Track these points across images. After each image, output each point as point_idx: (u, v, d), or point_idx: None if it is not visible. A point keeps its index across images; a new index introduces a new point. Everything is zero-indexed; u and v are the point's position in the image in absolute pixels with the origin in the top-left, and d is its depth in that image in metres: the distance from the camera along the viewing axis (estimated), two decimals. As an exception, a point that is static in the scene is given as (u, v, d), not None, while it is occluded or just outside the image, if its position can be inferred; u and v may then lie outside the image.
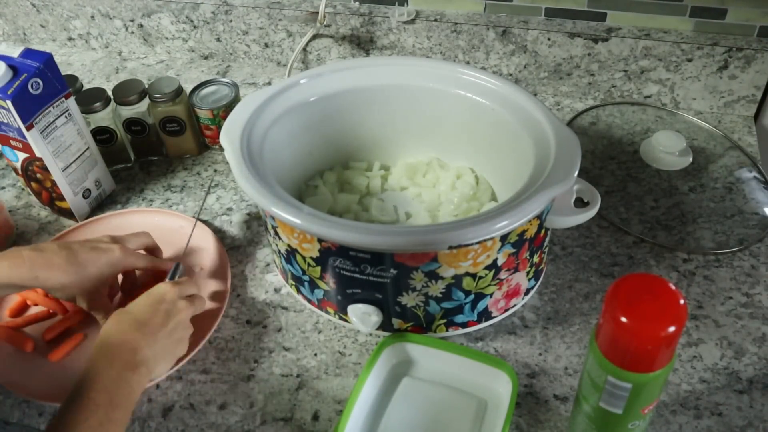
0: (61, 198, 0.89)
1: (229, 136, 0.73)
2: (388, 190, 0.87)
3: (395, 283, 0.67)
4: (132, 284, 0.80)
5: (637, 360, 0.50)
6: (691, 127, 0.98)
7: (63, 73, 0.84)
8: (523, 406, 0.68)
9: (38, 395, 0.70)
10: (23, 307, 0.80)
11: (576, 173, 0.67)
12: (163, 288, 0.68)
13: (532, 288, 0.76)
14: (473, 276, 0.67)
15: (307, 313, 0.78)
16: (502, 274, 0.69)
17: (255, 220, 0.88)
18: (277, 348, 0.75)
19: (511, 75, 1.05)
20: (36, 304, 0.80)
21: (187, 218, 0.88)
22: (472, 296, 0.69)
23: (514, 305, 0.75)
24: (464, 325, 0.73)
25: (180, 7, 1.13)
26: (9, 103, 0.78)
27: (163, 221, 0.88)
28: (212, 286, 0.80)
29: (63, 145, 0.86)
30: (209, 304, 0.77)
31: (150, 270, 0.79)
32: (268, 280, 0.82)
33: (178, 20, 1.15)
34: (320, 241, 0.66)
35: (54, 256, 0.70)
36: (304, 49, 1.12)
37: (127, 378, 0.60)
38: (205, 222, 0.89)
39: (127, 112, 0.95)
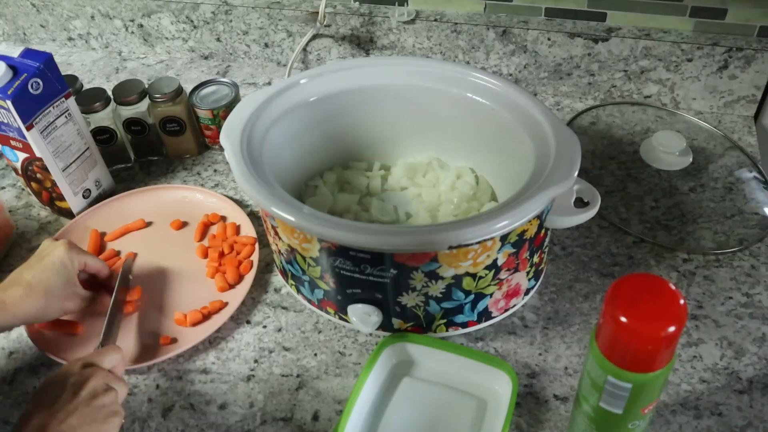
0: (61, 198, 0.89)
1: (229, 136, 0.73)
2: (388, 190, 0.87)
3: (395, 283, 0.67)
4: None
5: (637, 360, 0.50)
6: (691, 127, 0.98)
7: (63, 73, 0.84)
8: (523, 406, 0.68)
9: None
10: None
11: (576, 173, 0.67)
12: (66, 366, 0.64)
13: (532, 288, 0.76)
14: (473, 276, 0.67)
15: (307, 313, 0.78)
16: (502, 274, 0.69)
17: (255, 220, 0.88)
18: (277, 348, 0.75)
19: (511, 75, 1.05)
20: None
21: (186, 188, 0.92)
22: (472, 296, 0.69)
23: (514, 305, 0.75)
24: (464, 325, 0.73)
25: (180, 7, 1.13)
26: (9, 103, 0.78)
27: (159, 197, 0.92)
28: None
29: (63, 145, 0.86)
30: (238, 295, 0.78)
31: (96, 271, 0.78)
32: (268, 280, 0.82)
33: (178, 20, 1.15)
34: (320, 241, 0.66)
35: (14, 289, 0.69)
36: (304, 49, 1.12)
37: None
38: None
39: (127, 112, 0.95)
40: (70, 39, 1.24)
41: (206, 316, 0.77)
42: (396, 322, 0.72)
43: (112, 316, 0.75)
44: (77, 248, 0.75)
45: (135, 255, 0.86)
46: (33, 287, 0.70)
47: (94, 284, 0.78)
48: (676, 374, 0.70)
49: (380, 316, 0.71)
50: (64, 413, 0.58)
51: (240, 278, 0.81)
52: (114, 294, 0.76)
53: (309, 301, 0.77)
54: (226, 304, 0.78)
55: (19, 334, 0.78)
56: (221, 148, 0.97)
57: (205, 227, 0.88)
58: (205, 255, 0.84)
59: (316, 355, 0.74)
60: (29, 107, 0.80)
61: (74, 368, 0.63)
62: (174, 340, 0.75)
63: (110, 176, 0.95)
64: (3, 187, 0.98)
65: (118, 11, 1.17)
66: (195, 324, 0.76)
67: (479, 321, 0.73)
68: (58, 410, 0.58)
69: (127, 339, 0.76)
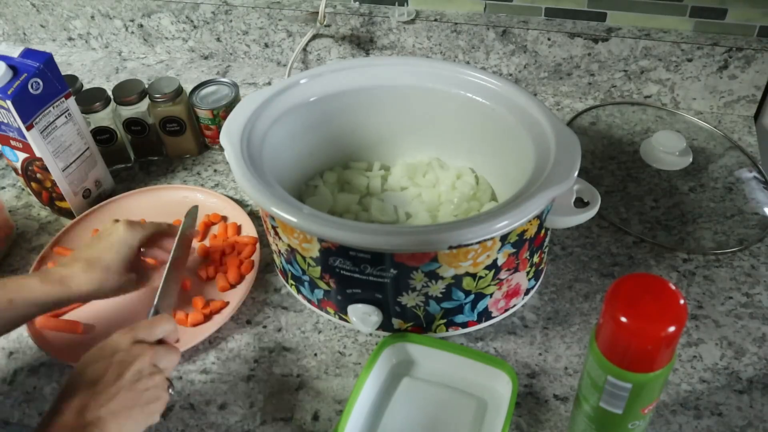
0: (61, 198, 0.89)
1: (229, 136, 0.73)
2: (388, 190, 0.87)
3: (395, 283, 0.67)
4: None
5: (637, 360, 0.50)
6: (691, 127, 0.98)
7: (63, 73, 0.84)
8: (523, 406, 0.68)
9: None
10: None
11: (576, 173, 0.67)
12: (115, 338, 0.61)
13: (532, 288, 0.76)
14: (473, 276, 0.67)
15: (307, 313, 0.78)
16: (502, 274, 0.69)
17: (256, 220, 0.88)
18: (277, 348, 0.75)
19: (511, 75, 1.05)
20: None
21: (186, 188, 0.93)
22: (472, 296, 0.69)
23: (514, 305, 0.75)
24: (464, 325, 0.73)
25: (180, 7, 1.13)
26: (9, 103, 0.78)
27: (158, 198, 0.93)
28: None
29: (63, 145, 0.86)
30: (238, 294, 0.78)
31: (159, 239, 0.77)
32: (268, 280, 0.82)
33: (178, 20, 1.15)
34: (320, 241, 0.66)
35: (76, 264, 0.70)
36: (304, 49, 1.12)
37: None
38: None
39: (127, 112, 0.95)
40: (70, 39, 1.24)
41: (207, 316, 0.77)
42: (396, 322, 0.72)
43: (169, 276, 0.71)
44: (138, 225, 0.74)
45: (197, 207, 0.81)
46: (92, 264, 0.70)
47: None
48: (676, 374, 0.70)
49: (380, 316, 0.71)
50: (105, 396, 0.57)
51: (241, 278, 0.81)
52: (171, 253, 0.73)
53: (309, 301, 0.77)
54: (227, 303, 0.78)
55: (19, 334, 0.78)
56: (221, 148, 0.97)
57: (206, 227, 0.88)
58: (206, 255, 0.84)
59: (316, 355, 0.74)
60: (29, 107, 0.80)
61: (123, 343, 0.60)
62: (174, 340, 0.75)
63: (110, 176, 0.95)
64: (3, 187, 0.98)
65: (118, 11, 1.17)
66: (196, 324, 0.76)
67: (479, 321, 0.73)
68: (100, 392, 0.57)
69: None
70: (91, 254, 0.71)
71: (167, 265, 0.72)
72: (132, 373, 0.58)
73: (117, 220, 0.75)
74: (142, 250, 0.75)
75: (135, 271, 0.74)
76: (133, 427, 0.58)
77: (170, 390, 0.62)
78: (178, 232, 0.76)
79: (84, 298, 0.71)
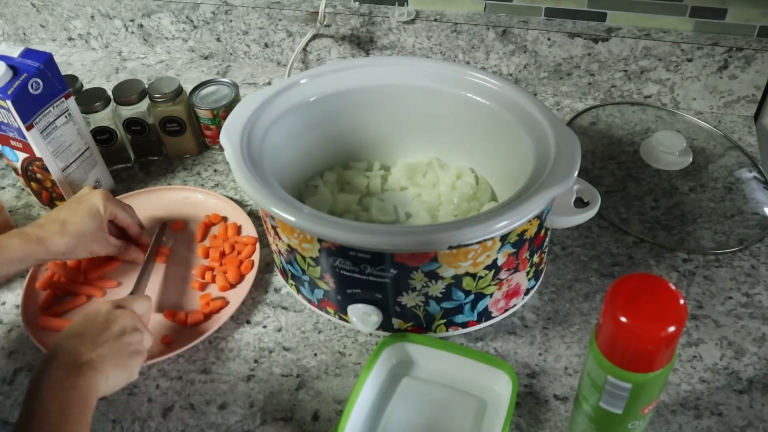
0: (61, 198, 0.89)
1: (229, 136, 0.73)
2: (388, 190, 0.87)
3: (395, 283, 0.67)
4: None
5: (637, 360, 0.50)
6: (691, 127, 0.98)
7: (63, 73, 0.84)
8: (523, 406, 0.68)
9: None
10: (53, 297, 0.82)
11: (576, 173, 0.67)
12: (96, 305, 0.68)
13: (532, 288, 0.76)
14: (473, 276, 0.67)
15: (307, 313, 0.78)
16: (502, 274, 0.69)
17: (255, 220, 0.88)
18: (277, 348, 0.75)
19: (511, 75, 1.05)
20: (60, 278, 0.83)
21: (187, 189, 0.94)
22: (472, 296, 0.69)
23: (514, 305, 0.75)
24: (464, 325, 0.73)
25: (180, 7, 1.13)
26: (9, 103, 0.78)
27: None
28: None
29: (63, 145, 0.86)
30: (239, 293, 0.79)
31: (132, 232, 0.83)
32: (268, 280, 0.82)
33: (178, 20, 1.15)
34: (320, 241, 0.66)
35: (51, 225, 0.75)
36: (304, 49, 1.12)
37: (72, 383, 0.58)
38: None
39: (127, 112, 0.95)
40: (70, 39, 1.24)
41: (207, 316, 0.77)
42: (396, 322, 0.72)
43: (146, 267, 0.80)
44: (113, 199, 0.80)
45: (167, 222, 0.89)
46: (67, 227, 0.75)
47: (125, 237, 0.83)
48: (676, 374, 0.70)
49: (380, 316, 0.71)
50: (94, 343, 0.62)
51: (241, 278, 0.81)
52: (150, 247, 0.82)
53: (309, 301, 0.77)
54: (228, 303, 0.78)
55: (19, 334, 0.78)
56: (221, 148, 0.97)
57: (206, 227, 0.88)
58: (207, 255, 0.84)
59: (316, 355, 0.74)
60: (29, 107, 0.80)
61: (105, 307, 0.67)
62: (174, 340, 0.75)
63: (110, 176, 0.95)
64: (3, 187, 0.98)
65: (118, 11, 1.17)
66: (196, 323, 0.76)
67: (479, 321, 0.73)
68: (90, 340, 0.62)
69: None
70: (68, 218, 0.76)
71: (146, 256, 0.81)
72: (117, 327, 0.65)
73: (95, 187, 0.80)
74: (109, 222, 0.80)
75: (104, 238, 0.78)
76: (118, 375, 0.63)
77: (144, 360, 0.67)
78: (156, 231, 0.83)
79: (61, 258, 0.77)
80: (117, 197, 0.92)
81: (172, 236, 0.88)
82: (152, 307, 0.72)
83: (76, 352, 0.61)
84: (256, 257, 0.82)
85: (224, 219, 0.89)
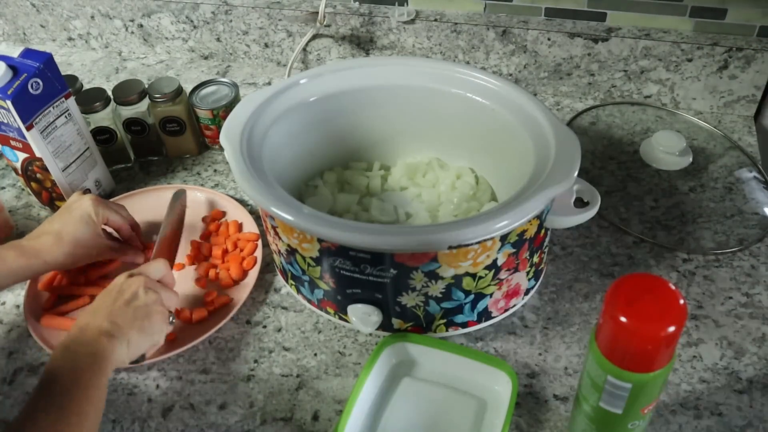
0: (61, 198, 0.89)
1: (229, 136, 0.73)
2: (388, 190, 0.87)
3: (395, 283, 0.67)
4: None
5: (637, 360, 0.50)
6: (691, 127, 0.98)
7: (63, 73, 0.84)
8: (523, 406, 0.68)
9: None
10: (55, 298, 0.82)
11: (576, 173, 0.67)
12: (115, 279, 0.69)
13: (532, 288, 0.76)
14: (473, 276, 0.67)
15: (307, 313, 0.78)
16: (502, 274, 0.69)
17: (257, 219, 0.88)
18: (277, 348, 0.75)
19: (511, 75, 1.05)
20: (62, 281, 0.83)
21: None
22: (472, 296, 0.69)
23: (514, 305, 0.75)
24: (464, 325, 0.73)
25: (180, 7, 1.13)
26: (9, 103, 0.78)
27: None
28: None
29: (63, 145, 0.86)
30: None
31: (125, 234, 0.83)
32: (268, 280, 0.82)
33: (178, 20, 1.15)
34: (320, 241, 0.66)
35: (47, 238, 0.75)
36: (304, 49, 1.12)
37: (86, 350, 0.60)
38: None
39: (127, 112, 0.95)
40: (70, 39, 1.24)
41: (211, 313, 0.77)
42: (396, 322, 0.72)
43: (165, 234, 0.80)
44: (103, 203, 0.79)
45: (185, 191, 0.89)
46: (62, 236, 0.75)
47: (119, 239, 0.83)
48: (676, 374, 0.70)
49: (380, 316, 0.71)
50: (107, 313, 0.63)
51: (244, 274, 0.81)
52: (166, 215, 0.82)
53: (309, 301, 0.77)
54: (231, 300, 0.78)
55: (19, 334, 0.78)
56: (221, 148, 0.97)
57: (208, 226, 0.88)
58: (209, 253, 0.84)
59: (316, 355, 0.74)
60: (29, 107, 0.80)
61: (119, 279, 0.68)
62: (178, 338, 0.75)
63: (110, 176, 0.95)
64: (3, 187, 0.98)
65: (118, 11, 1.17)
66: (200, 320, 0.76)
67: (479, 321, 0.73)
68: (103, 312, 0.64)
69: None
70: (61, 227, 0.75)
71: (160, 231, 0.80)
72: (129, 293, 0.66)
73: (84, 193, 0.80)
74: (104, 226, 0.80)
75: (100, 242, 0.78)
76: (140, 338, 0.64)
77: (171, 319, 0.68)
78: (171, 199, 0.85)
79: (61, 268, 0.77)
80: (117, 197, 0.92)
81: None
82: (171, 273, 0.73)
83: (92, 324, 0.62)
84: (258, 254, 0.82)
85: (225, 217, 0.89)
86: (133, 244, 0.83)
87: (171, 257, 0.80)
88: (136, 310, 0.65)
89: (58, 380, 0.57)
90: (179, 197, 0.87)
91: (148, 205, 0.91)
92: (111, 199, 0.92)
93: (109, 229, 0.82)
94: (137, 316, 0.65)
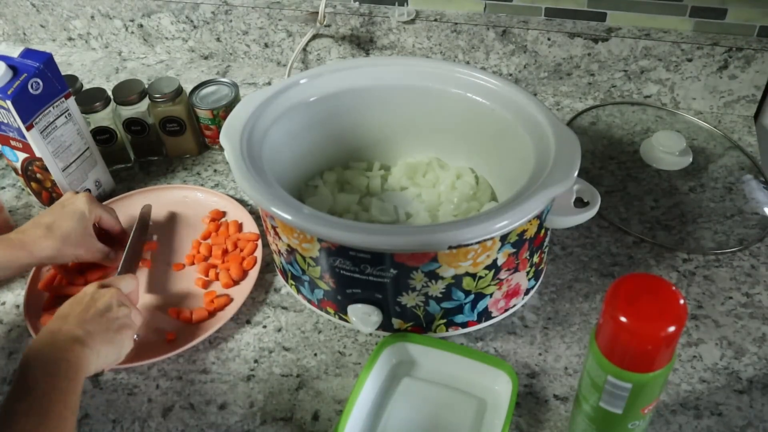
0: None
1: (229, 136, 0.73)
2: (388, 190, 0.87)
3: (395, 283, 0.67)
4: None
5: (637, 360, 0.50)
6: (691, 127, 0.98)
7: (63, 73, 0.84)
8: (523, 406, 0.68)
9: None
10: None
11: (576, 173, 0.67)
12: (84, 289, 0.69)
13: (532, 288, 0.76)
14: (473, 276, 0.67)
15: (307, 313, 0.78)
16: (502, 274, 0.69)
17: (257, 218, 0.88)
18: (277, 348, 0.75)
19: (511, 75, 1.05)
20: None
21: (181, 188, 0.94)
22: (472, 296, 0.69)
23: (514, 305, 0.75)
24: (464, 325, 0.73)
25: (180, 7, 1.13)
26: (9, 103, 0.78)
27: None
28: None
29: (63, 145, 0.86)
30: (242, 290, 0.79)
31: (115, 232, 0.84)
32: (268, 280, 0.82)
33: (178, 20, 1.15)
34: (320, 241, 0.66)
35: (36, 230, 0.75)
36: (304, 49, 1.12)
37: (61, 356, 0.60)
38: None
39: (127, 112, 0.95)
40: (70, 39, 1.24)
41: (212, 313, 0.77)
42: (396, 322, 0.72)
43: (131, 249, 0.81)
44: (97, 202, 0.80)
45: (150, 206, 0.90)
46: (52, 230, 0.75)
47: (109, 240, 0.83)
48: (676, 374, 0.70)
49: (380, 316, 0.71)
50: (80, 321, 0.63)
51: (244, 274, 0.81)
52: (133, 230, 0.83)
53: (309, 301, 0.77)
54: (232, 300, 0.78)
55: (19, 334, 0.78)
56: (221, 148, 0.97)
57: (207, 226, 0.88)
58: (209, 253, 0.84)
59: (316, 355, 0.74)
60: (29, 107, 0.80)
61: (90, 288, 0.68)
62: (178, 338, 0.75)
63: (110, 176, 0.95)
64: (3, 187, 0.98)
65: (118, 11, 1.17)
66: (200, 321, 0.76)
67: (479, 321, 0.73)
68: (76, 319, 0.63)
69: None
70: (52, 222, 0.76)
71: (129, 238, 0.82)
72: (102, 304, 0.66)
73: (77, 192, 0.80)
74: (94, 224, 0.80)
75: (89, 242, 0.78)
76: (108, 350, 0.64)
77: (135, 336, 0.69)
78: (138, 217, 0.86)
79: (47, 262, 0.78)
80: (117, 197, 0.92)
81: (172, 235, 0.87)
82: (138, 285, 0.74)
83: (64, 330, 0.62)
84: (258, 254, 0.82)
85: (225, 217, 0.89)
86: (124, 244, 0.83)
87: (134, 272, 0.81)
88: (109, 322, 0.65)
89: (38, 385, 0.57)
90: (146, 211, 0.88)
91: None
92: (111, 199, 0.92)
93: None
94: (110, 327, 0.65)
